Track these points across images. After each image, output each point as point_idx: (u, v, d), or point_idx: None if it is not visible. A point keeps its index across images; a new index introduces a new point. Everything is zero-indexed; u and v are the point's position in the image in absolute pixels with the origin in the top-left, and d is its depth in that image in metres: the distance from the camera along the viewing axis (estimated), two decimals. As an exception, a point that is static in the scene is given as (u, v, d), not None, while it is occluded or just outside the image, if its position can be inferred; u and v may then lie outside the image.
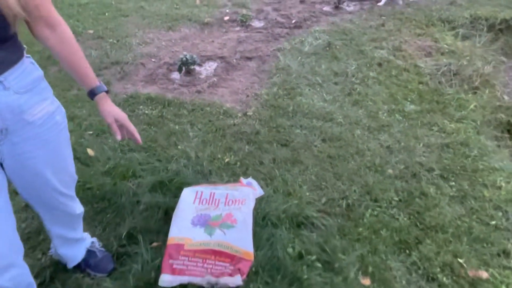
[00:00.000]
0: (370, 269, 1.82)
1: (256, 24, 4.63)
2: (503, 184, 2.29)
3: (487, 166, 2.42)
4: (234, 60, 3.78)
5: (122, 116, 1.43)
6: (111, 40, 4.13)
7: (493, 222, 2.06)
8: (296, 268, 1.79)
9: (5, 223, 1.29)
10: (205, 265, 1.76)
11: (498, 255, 1.91)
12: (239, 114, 2.92)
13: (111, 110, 1.41)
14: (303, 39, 4.07)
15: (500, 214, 2.11)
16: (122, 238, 1.94)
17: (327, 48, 3.86)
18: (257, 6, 5.08)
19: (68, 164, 1.50)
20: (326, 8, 5.07)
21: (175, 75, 3.55)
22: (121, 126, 1.44)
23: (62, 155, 1.45)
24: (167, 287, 1.70)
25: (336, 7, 5.06)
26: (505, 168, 2.40)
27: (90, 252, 1.82)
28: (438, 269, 1.83)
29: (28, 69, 1.26)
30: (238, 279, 1.72)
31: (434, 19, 4.41)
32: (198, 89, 3.31)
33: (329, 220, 2.07)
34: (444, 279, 1.79)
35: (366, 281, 1.77)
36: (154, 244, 1.91)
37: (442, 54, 3.77)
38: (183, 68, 3.53)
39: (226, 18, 4.72)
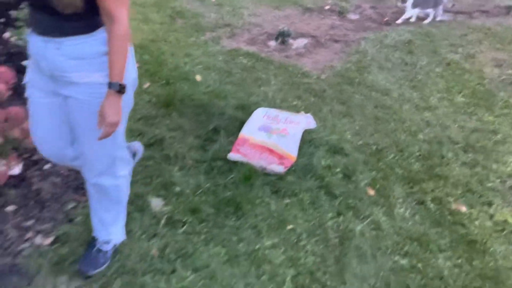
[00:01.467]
0: (377, 185, 2.46)
1: (351, 16, 5.27)
2: (513, 164, 2.76)
3: (506, 149, 2.89)
4: (323, 40, 4.48)
5: (106, 114, 1.44)
6: (228, 8, 5.04)
7: (489, 185, 2.57)
8: (322, 172, 2.49)
9: (54, 129, 1.64)
10: (261, 156, 2.52)
11: (483, 204, 2.43)
12: (314, 77, 3.64)
13: (106, 105, 1.44)
14: (388, 33, 4.64)
15: (498, 180, 2.61)
16: (209, 131, 2.78)
17: (406, 44, 4.40)
18: (357, 2, 5.69)
19: (92, 137, 1.53)
20: (421, 15, 5.53)
21: (272, 43, 4.34)
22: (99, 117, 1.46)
23: (90, 127, 1.51)
24: (232, 160, 2.50)
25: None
26: (522, 155, 2.85)
27: None
28: (429, 199, 2.42)
29: (88, 43, 1.42)
30: (280, 168, 2.46)
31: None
32: (287, 54, 4.08)
33: (359, 155, 2.72)
34: (432, 205, 2.38)
35: (371, 192, 2.42)
36: (230, 138, 2.71)
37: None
38: (279, 38, 4.31)
39: (327, 7, 5.41)
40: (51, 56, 1.44)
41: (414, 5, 5.02)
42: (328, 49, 4.31)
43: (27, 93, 1.62)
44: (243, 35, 4.44)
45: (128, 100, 1.57)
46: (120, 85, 1.42)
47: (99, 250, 1.88)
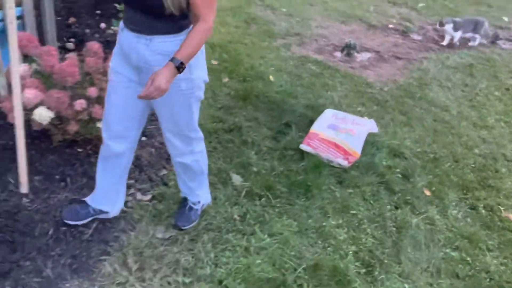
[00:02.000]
0: (433, 188, 2.70)
1: (414, 36, 5.48)
2: None
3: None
4: (386, 56, 4.73)
5: (157, 82, 1.53)
6: (297, 18, 5.39)
7: (541, 200, 2.75)
8: (383, 170, 2.76)
9: (126, 113, 1.87)
10: (328, 150, 2.81)
11: (533, 216, 2.61)
12: (377, 88, 3.90)
13: (160, 72, 1.53)
14: (449, 56, 4.84)
15: (549, 198, 2.78)
16: (281, 124, 3.10)
17: (467, 67, 4.59)
18: (420, 24, 5.90)
19: (172, 121, 1.86)
20: (483, 41, 5.68)
21: (337, 54, 4.64)
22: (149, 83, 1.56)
23: (174, 115, 1.83)
24: (303, 150, 2.81)
25: (492, 42, 5.63)
26: None
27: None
28: (481, 205, 2.63)
29: (173, 42, 1.62)
30: (345, 163, 2.75)
31: None
32: (351, 65, 4.36)
33: (417, 160, 2.96)
34: (483, 211, 2.59)
35: (427, 192, 2.66)
36: (300, 133, 3.03)
37: None
38: (345, 50, 4.61)
39: (391, 26, 5.66)
40: (141, 50, 1.67)
41: (455, 29, 5.18)
42: (391, 64, 4.56)
43: (109, 77, 1.88)
44: (311, 44, 4.76)
45: (198, 94, 1.82)
46: (181, 63, 1.54)
47: (191, 208, 2.21)
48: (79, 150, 2.59)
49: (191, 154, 2.04)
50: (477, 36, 5.23)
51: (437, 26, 5.36)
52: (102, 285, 1.86)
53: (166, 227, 2.19)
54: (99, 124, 2.43)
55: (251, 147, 2.84)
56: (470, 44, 5.24)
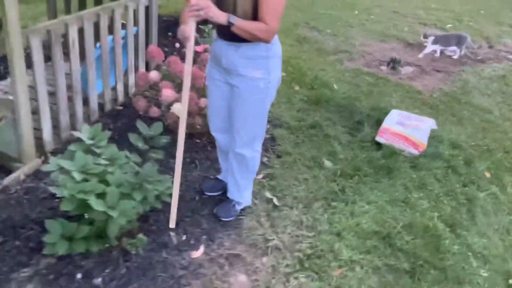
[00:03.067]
0: (491, 171, 3.19)
1: (450, 52, 6.04)
2: None
3: None
4: (427, 69, 5.29)
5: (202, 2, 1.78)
6: (341, 38, 6.00)
7: None
8: (448, 158, 3.26)
9: (223, 110, 2.26)
10: (399, 141, 3.33)
11: None
12: (427, 95, 4.44)
13: (215, 8, 1.82)
14: (483, 68, 5.38)
15: None
16: (353, 122, 3.64)
17: (501, 77, 5.12)
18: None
19: (246, 118, 2.14)
20: (510, 56, 6.22)
21: (384, 67, 5.20)
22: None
23: (246, 109, 2.11)
24: (378, 142, 3.33)
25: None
26: None
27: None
28: (534, 185, 3.12)
29: (257, 49, 1.97)
30: (416, 152, 3.26)
31: None
32: (399, 77, 4.92)
33: (473, 151, 3.47)
34: (536, 189, 3.07)
35: (488, 175, 3.16)
36: (371, 130, 3.55)
37: None
38: (391, 64, 5.17)
39: (426, 44, 6.23)
40: (230, 55, 2.03)
41: (435, 42, 5.64)
42: (433, 76, 5.11)
43: (207, 83, 2.30)
44: (359, 59, 5.34)
45: (272, 93, 2.12)
46: (231, 23, 1.82)
47: (234, 206, 2.48)
48: (197, 141, 3.14)
49: (251, 149, 2.28)
50: (457, 49, 5.69)
51: (422, 37, 5.84)
52: (248, 235, 2.37)
53: (280, 198, 2.70)
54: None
55: (333, 140, 3.36)
56: (452, 56, 5.71)
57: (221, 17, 1.83)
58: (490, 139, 3.70)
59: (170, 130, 2.89)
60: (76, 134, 2.15)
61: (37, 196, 2.43)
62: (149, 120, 3.14)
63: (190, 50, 1.93)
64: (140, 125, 2.27)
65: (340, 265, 2.24)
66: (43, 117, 2.73)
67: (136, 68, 3.63)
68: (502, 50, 6.40)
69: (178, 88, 2.98)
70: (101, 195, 1.89)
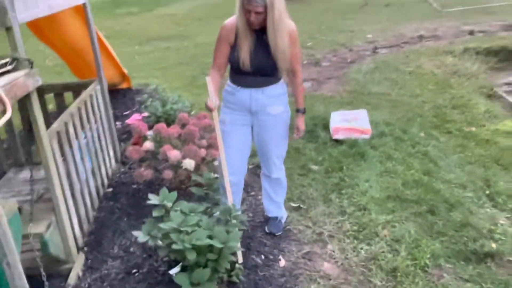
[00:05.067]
0: (423, 131, 4.14)
1: (325, 63, 7.23)
2: None
3: None
4: (321, 79, 6.31)
5: (301, 128, 2.64)
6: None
7: None
8: (388, 132, 4.13)
9: (243, 151, 2.63)
10: (352, 133, 4.11)
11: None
12: (338, 96, 5.37)
13: (299, 123, 2.63)
14: (359, 67, 6.62)
15: None
16: (306, 132, 4.32)
17: (376, 69, 6.38)
18: (321, 55, 7.70)
19: (278, 145, 2.61)
20: (367, 53, 7.67)
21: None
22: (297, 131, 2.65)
23: (278, 138, 2.58)
24: (337, 139, 4.06)
25: (374, 51, 7.65)
26: None
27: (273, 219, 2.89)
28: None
29: (277, 88, 2.48)
30: (367, 136, 4.07)
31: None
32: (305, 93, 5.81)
33: (401, 123, 4.41)
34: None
35: (422, 134, 4.09)
36: (325, 132, 4.27)
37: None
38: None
39: (305, 62, 7.34)
40: (259, 98, 2.45)
41: None
42: (329, 83, 6.12)
43: (226, 129, 2.54)
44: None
45: (289, 120, 2.61)
46: (304, 108, 2.61)
47: (280, 221, 2.89)
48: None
49: (282, 170, 2.76)
50: None
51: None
52: (304, 235, 2.82)
53: (302, 202, 3.21)
54: (215, 163, 3.38)
55: (304, 149, 3.99)
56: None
57: (302, 118, 2.64)
58: (403, 111, 4.72)
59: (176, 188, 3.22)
60: (151, 201, 2.40)
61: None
62: (147, 188, 3.41)
63: (216, 117, 2.43)
64: (154, 198, 2.43)
65: (383, 227, 2.83)
66: (72, 214, 2.82)
67: (108, 148, 3.80)
68: (359, 50, 7.84)
69: (175, 148, 3.32)
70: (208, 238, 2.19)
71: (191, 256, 2.12)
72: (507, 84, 6.21)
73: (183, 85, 6.23)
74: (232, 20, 2.42)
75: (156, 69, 7.50)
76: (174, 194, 2.44)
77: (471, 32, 8.06)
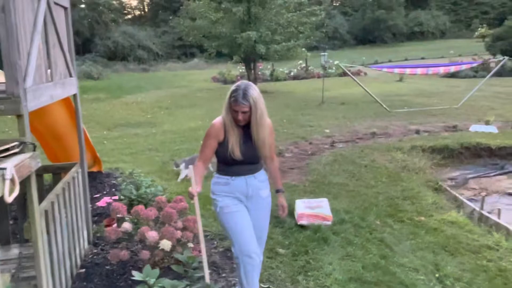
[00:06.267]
0: (379, 219, 4.55)
1: (288, 154, 7.76)
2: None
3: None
4: (285, 169, 6.77)
5: (285, 205, 2.97)
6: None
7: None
8: (348, 220, 4.50)
9: (251, 231, 2.77)
10: (314, 218, 4.45)
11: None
12: (301, 186, 5.78)
13: (282, 201, 2.96)
14: (320, 159, 7.17)
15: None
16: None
17: (334, 161, 6.94)
18: (283, 147, 8.26)
19: (267, 228, 2.95)
20: (326, 146, 8.32)
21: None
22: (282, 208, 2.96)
23: (267, 220, 2.94)
24: (301, 224, 4.38)
25: (332, 145, 8.31)
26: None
27: None
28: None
29: (263, 174, 2.87)
30: (328, 223, 4.42)
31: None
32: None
33: (360, 211, 4.81)
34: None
35: (378, 222, 4.49)
36: (290, 219, 4.58)
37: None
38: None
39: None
40: (254, 184, 2.78)
41: (187, 166, 5.91)
42: (291, 174, 6.58)
43: (232, 210, 2.76)
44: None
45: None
46: (282, 190, 2.97)
47: None
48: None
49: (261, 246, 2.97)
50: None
51: (174, 167, 6.20)
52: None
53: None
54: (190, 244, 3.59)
55: (272, 234, 4.25)
56: None
57: (284, 198, 2.98)
58: (361, 201, 5.16)
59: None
60: (135, 277, 2.57)
61: None
62: (121, 269, 3.53)
63: (197, 204, 2.75)
64: (138, 275, 2.63)
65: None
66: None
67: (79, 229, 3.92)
68: (319, 143, 8.49)
69: (153, 227, 3.51)
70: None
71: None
72: (451, 179, 6.91)
73: (153, 170, 6.49)
74: (219, 120, 2.77)
75: (126, 154, 7.76)
76: (157, 271, 2.62)
77: (417, 131, 8.99)
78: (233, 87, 2.71)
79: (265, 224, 2.95)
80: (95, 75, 21.60)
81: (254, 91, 2.67)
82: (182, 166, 6.09)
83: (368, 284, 3.35)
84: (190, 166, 2.80)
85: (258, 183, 2.83)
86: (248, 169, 2.79)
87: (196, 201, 2.72)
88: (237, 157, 2.70)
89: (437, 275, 3.55)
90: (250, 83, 2.74)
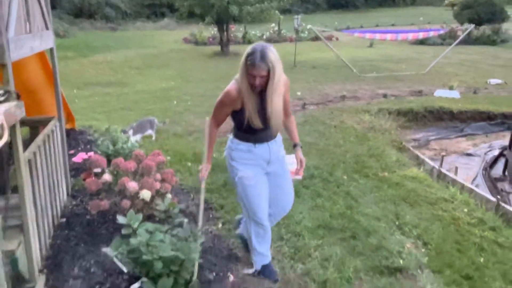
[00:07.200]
0: (345, 174, 4.85)
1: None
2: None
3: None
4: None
5: (303, 159, 2.85)
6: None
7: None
8: (317, 174, 4.78)
9: (266, 201, 2.82)
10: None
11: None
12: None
13: (300, 155, 2.84)
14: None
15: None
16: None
17: (305, 122, 7.17)
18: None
19: (290, 180, 2.97)
20: (298, 108, 8.52)
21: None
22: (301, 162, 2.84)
23: (288, 175, 2.95)
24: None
25: (303, 107, 8.53)
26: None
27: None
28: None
29: (279, 137, 2.82)
30: (299, 177, 4.65)
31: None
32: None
33: (328, 167, 5.09)
34: (373, 176, 4.85)
35: (345, 176, 4.78)
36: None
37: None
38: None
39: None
40: (274, 148, 2.77)
41: (135, 133, 5.97)
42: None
43: (251, 183, 2.72)
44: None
45: None
46: (299, 144, 2.89)
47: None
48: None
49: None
50: (152, 132, 6.25)
51: (122, 134, 5.61)
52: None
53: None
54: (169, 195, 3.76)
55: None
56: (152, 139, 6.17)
57: (300, 151, 2.90)
58: (329, 158, 5.44)
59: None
60: (120, 221, 2.74)
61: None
62: (101, 218, 3.68)
63: (203, 188, 2.88)
64: (122, 219, 2.78)
65: (315, 249, 3.36)
66: (33, 236, 3.03)
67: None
68: (291, 105, 8.66)
69: (132, 179, 3.66)
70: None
71: (159, 266, 2.47)
72: (414, 140, 7.30)
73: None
74: (234, 87, 2.58)
75: (98, 112, 7.76)
76: (140, 216, 2.80)
77: (384, 95, 9.31)
78: (248, 49, 2.49)
79: (287, 183, 2.96)
80: (61, 33, 20.78)
81: (272, 54, 2.47)
82: (130, 132, 5.99)
83: (334, 231, 3.64)
84: (207, 118, 2.79)
85: (278, 146, 2.82)
86: (270, 134, 2.70)
87: (202, 187, 2.84)
88: (257, 126, 2.59)
89: (397, 223, 3.88)
90: (268, 44, 2.53)
